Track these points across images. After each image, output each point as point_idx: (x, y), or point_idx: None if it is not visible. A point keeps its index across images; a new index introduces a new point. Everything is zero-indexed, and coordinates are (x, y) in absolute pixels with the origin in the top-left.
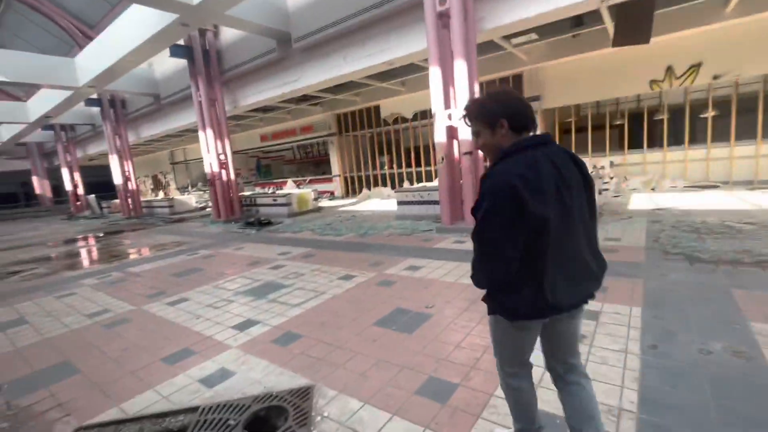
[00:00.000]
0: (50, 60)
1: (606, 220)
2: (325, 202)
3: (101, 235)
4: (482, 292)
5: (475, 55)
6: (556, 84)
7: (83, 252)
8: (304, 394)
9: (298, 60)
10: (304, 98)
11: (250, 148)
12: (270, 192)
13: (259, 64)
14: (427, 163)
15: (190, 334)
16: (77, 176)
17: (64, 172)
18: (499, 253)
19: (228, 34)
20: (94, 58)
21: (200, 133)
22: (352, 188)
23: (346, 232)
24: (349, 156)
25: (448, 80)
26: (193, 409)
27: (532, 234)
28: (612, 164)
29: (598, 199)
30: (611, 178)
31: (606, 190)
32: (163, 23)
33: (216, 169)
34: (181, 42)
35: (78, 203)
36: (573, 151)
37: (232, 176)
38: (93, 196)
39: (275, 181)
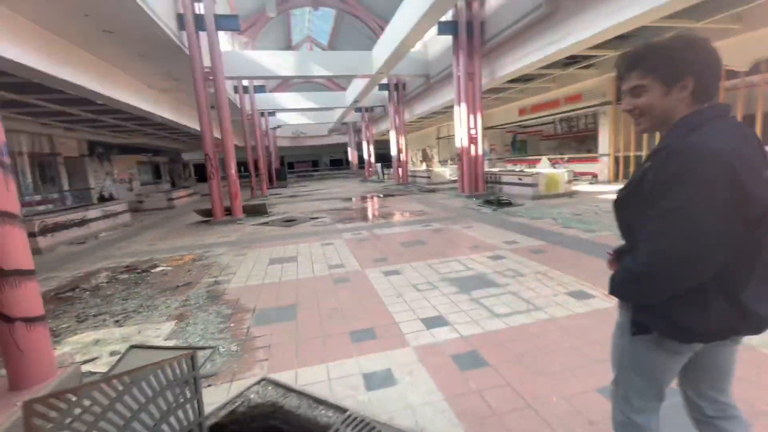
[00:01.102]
0: (355, 55)
1: None
2: (582, 186)
3: (375, 196)
4: None
5: None
6: None
7: (356, 209)
8: None
9: (568, 12)
10: (572, 61)
11: (507, 123)
12: (518, 170)
13: (522, 27)
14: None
15: (383, 313)
16: (371, 148)
17: (363, 145)
18: (705, 258)
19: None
20: (383, 47)
21: (455, 108)
22: (623, 172)
23: (598, 228)
24: (626, 130)
25: None
26: (342, 411)
27: (746, 228)
28: None
29: None
30: None
31: None
32: None
33: (465, 143)
34: (449, 18)
35: (370, 169)
36: None
37: (480, 151)
38: (379, 164)
39: (528, 158)
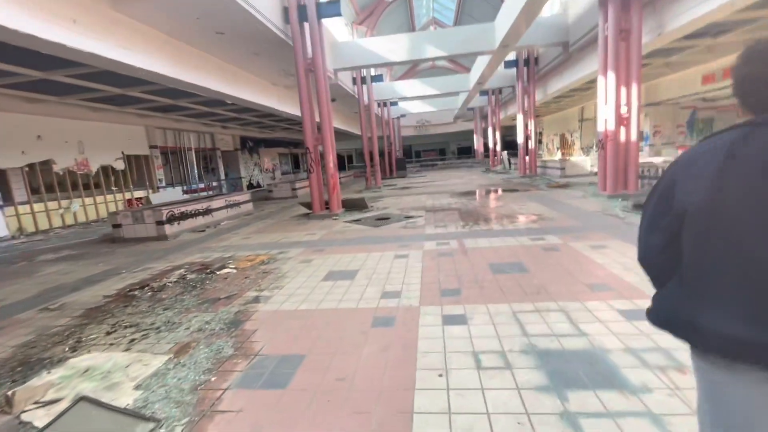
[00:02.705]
0: (475, 29)
1: None
2: None
3: (490, 191)
4: None
5: None
6: None
7: (460, 208)
8: None
9: None
10: None
11: (683, 96)
12: None
13: None
14: None
15: (402, 409)
16: (497, 135)
17: (489, 132)
18: (643, 235)
19: None
20: (508, 11)
21: (599, 78)
22: None
23: None
24: None
25: None
26: None
27: (676, 223)
28: None
29: None
30: None
31: None
32: None
33: (612, 126)
34: None
35: (495, 158)
36: None
37: (633, 136)
38: (505, 153)
39: None
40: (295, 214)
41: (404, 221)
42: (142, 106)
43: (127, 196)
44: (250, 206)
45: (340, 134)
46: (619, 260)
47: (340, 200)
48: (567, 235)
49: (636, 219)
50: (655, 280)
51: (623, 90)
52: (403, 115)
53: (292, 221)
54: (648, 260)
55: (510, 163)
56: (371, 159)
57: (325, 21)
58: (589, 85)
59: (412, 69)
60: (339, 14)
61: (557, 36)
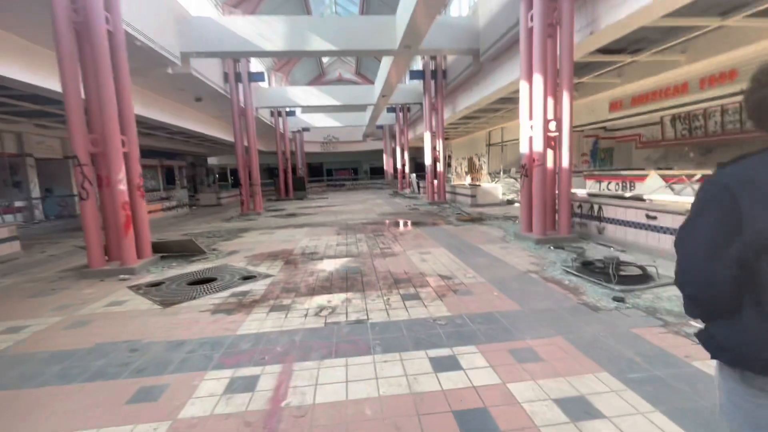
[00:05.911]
0: (373, 21)
1: None
2: None
3: (389, 225)
4: None
5: None
6: None
7: (340, 256)
8: None
9: None
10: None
11: (591, 123)
12: (628, 193)
13: None
14: None
15: None
16: (406, 156)
17: (397, 152)
18: (700, 269)
19: None
20: (405, 5)
21: (522, 85)
22: None
23: None
24: None
25: None
26: None
27: (752, 254)
28: None
29: None
30: None
31: None
32: None
33: (538, 147)
34: None
35: (403, 181)
36: None
37: (565, 162)
38: (414, 175)
39: (624, 173)
40: (71, 267)
41: (235, 287)
42: None
43: None
44: (13, 247)
45: (227, 146)
46: None
47: (146, 243)
48: (497, 352)
49: (597, 292)
50: (718, 313)
51: (551, 101)
52: (306, 129)
53: (50, 281)
54: (714, 292)
55: (419, 187)
56: (250, 177)
57: None
58: (498, 106)
59: (318, 79)
60: None
61: (466, 41)
